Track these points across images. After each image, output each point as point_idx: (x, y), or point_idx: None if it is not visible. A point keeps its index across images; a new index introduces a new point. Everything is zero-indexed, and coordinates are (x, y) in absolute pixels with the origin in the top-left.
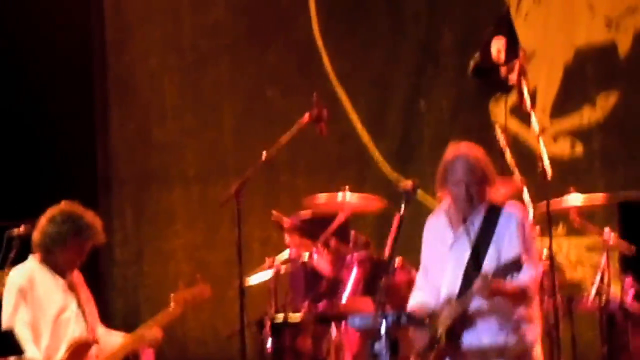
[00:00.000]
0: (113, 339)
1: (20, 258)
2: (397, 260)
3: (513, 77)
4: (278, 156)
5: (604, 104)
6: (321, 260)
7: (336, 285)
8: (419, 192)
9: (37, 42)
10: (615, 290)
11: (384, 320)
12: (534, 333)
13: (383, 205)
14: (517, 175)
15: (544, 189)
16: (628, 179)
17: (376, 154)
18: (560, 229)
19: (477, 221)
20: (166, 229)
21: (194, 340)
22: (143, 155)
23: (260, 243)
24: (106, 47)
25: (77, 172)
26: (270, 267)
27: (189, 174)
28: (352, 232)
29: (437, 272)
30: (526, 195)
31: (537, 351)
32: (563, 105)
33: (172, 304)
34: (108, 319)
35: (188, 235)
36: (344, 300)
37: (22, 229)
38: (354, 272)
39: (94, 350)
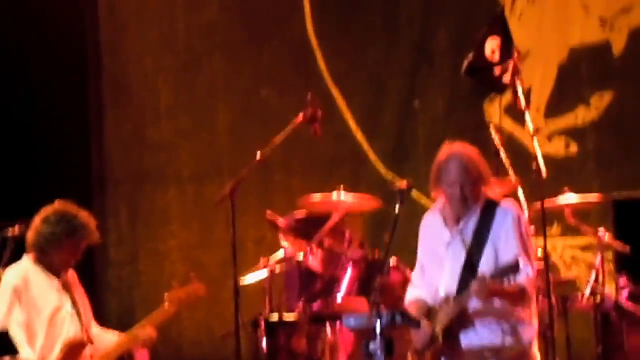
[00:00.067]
0: (107, 339)
1: (15, 258)
2: (392, 260)
3: (507, 77)
4: (272, 156)
5: (598, 103)
6: (315, 260)
7: (331, 285)
8: (414, 191)
9: (31, 42)
10: (609, 290)
11: (378, 320)
12: (531, 333)
13: (378, 205)
14: (511, 175)
15: (539, 189)
16: (622, 179)
17: (371, 154)
18: (555, 228)
19: (472, 220)
20: (161, 229)
21: (188, 340)
22: (138, 155)
23: (255, 243)
24: (100, 47)
25: (72, 172)
26: (264, 267)
27: (183, 174)
28: (347, 232)
29: (434, 270)
30: (521, 195)
31: (534, 351)
32: (557, 105)
33: (166, 303)
34: (103, 319)
35: (183, 235)
36: (338, 300)
37: (16, 229)
38: (349, 271)
39: (88, 350)
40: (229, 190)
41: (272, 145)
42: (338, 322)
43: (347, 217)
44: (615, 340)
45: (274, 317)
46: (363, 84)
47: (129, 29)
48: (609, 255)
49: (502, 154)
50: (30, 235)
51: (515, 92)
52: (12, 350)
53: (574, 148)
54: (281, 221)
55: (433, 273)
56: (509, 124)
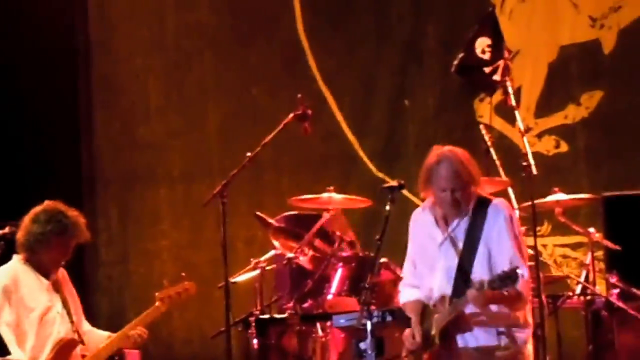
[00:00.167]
0: (98, 338)
1: (5, 259)
2: (383, 259)
3: (498, 76)
4: (263, 155)
5: (589, 102)
6: (306, 260)
7: (321, 285)
8: (406, 191)
9: (21, 41)
10: (600, 289)
11: (369, 319)
12: (526, 333)
13: (368, 204)
14: (502, 174)
15: (529, 187)
16: (612, 177)
17: (361, 153)
18: (545, 227)
19: (464, 221)
20: (151, 228)
21: (179, 339)
22: (128, 155)
23: (245, 243)
24: (90, 46)
25: (62, 172)
26: (255, 268)
27: (173, 173)
28: (337, 232)
29: (427, 269)
30: (511, 194)
31: (529, 350)
32: (547, 104)
33: (157, 302)
34: (93, 320)
35: (173, 235)
36: (329, 299)
37: (6, 229)
38: (339, 271)
39: (79, 349)
40: (218, 190)
41: (262, 145)
42: (329, 322)
43: (337, 216)
44: (605, 339)
45: (265, 316)
46: (353, 84)
47: (118, 29)
48: (600, 253)
49: (493, 153)
50: (19, 235)
51: (505, 91)
52: (3, 350)
53: (564, 147)
54: (271, 221)
55: (425, 272)
56: (499, 123)
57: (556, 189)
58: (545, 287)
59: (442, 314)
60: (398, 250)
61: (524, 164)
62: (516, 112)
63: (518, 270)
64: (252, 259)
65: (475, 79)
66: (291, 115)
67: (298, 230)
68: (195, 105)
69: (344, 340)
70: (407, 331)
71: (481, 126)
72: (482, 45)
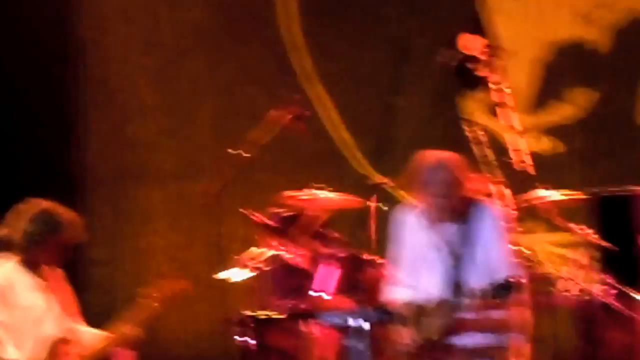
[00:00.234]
0: (94, 338)
1: None
2: (375, 258)
3: (489, 74)
4: (255, 155)
5: (582, 101)
6: (298, 259)
7: (311, 283)
8: (397, 189)
9: (13, 39)
10: (591, 286)
11: (361, 317)
12: (522, 330)
13: (360, 203)
14: (492, 172)
15: (520, 185)
16: (606, 175)
17: (353, 151)
18: (537, 225)
19: (456, 226)
20: (143, 227)
21: (172, 338)
22: (120, 154)
23: (238, 241)
24: (83, 44)
25: (54, 171)
26: (247, 266)
27: (166, 172)
28: (329, 230)
29: (418, 271)
30: (501, 191)
31: (524, 347)
32: (540, 102)
33: (150, 300)
34: (86, 319)
35: (165, 233)
36: (319, 297)
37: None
38: (331, 269)
39: (74, 349)
40: (215, 192)
41: (257, 144)
42: (321, 320)
43: (329, 215)
44: (597, 337)
45: (257, 314)
46: (345, 82)
47: (110, 27)
48: (592, 252)
49: (483, 151)
50: (15, 235)
51: (497, 90)
52: None
53: (556, 145)
54: (263, 220)
55: (417, 274)
56: (489, 121)
57: (546, 186)
58: (537, 285)
59: (440, 318)
60: (389, 248)
61: (515, 165)
62: (508, 112)
63: (513, 280)
64: (242, 257)
65: (466, 78)
66: (288, 116)
67: (288, 228)
68: (187, 103)
69: (336, 338)
70: (404, 332)
71: (470, 124)
72: (471, 43)
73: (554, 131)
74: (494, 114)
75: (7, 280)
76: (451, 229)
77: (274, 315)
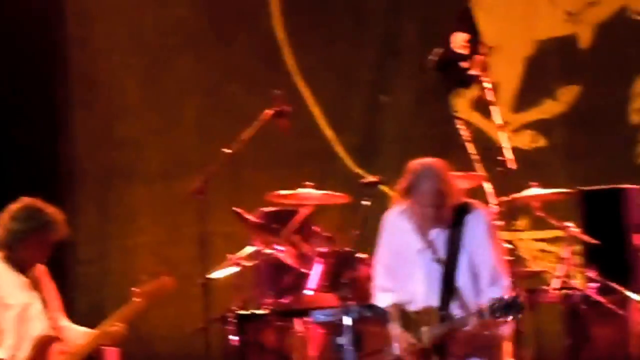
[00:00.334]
0: (77, 335)
1: None
2: (362, 255)
3: (475, 71)
4: (241, 152)
5: (566, 97)
6: (284, 256)
7: (300, 280)
8: (386, 187)
9: None
10: (577, 282)
11: (347, 315)
12: (508, 330)
13: (346, 200)
14: (478, 169)
15: (506, 182)
16: (590, 172)
17: (339, 149)
18: (523, 222)
19: (444, 230)
20: (130, 225)
21: (158, 336)
22: (106, 152)
23: (224, 238)
24: (68, 42)
25: (40, 169)
26: (233, 264)
27: (152, 170)
28: (316, 227)
29: (404, 275)
30: (488, 189)
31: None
32: (525, 99)
33: (135, 298)
34: (72, 318)
35: (152, 231)
36: (308, 295)
37: None
38: (318, 267)
39: (58, 347)
40: (197, 187)
41: (240, 141)
42: (308, 317)
43: (314, 212)
44: (583, 333)
45: (244, 312)
46: (331, 79)
47: (97, 25)
48: (578, 248)
49: (470, 148)
50: None
51: (482, 86)
52: None
53: (541, 141)
54: (249, 217)
55: (403, 278)
56: (476, 118)
57: (533, 183)
58: (523, 281)
59: (434, 326)
60: (376, 246)
61: (501, 158)
62: (494, 107)
63: (519, 299)
64: (229, 255)
65: (452, 74)
66: (269, 112)
67: (276, 226)
68: (173, 101)
69: (322, 336)
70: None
71: (458, 121)
72: (459, 40)
73: (536, 127)
74: (480, 110)
75: None
76: (439, 235)
77: (259, 312)
